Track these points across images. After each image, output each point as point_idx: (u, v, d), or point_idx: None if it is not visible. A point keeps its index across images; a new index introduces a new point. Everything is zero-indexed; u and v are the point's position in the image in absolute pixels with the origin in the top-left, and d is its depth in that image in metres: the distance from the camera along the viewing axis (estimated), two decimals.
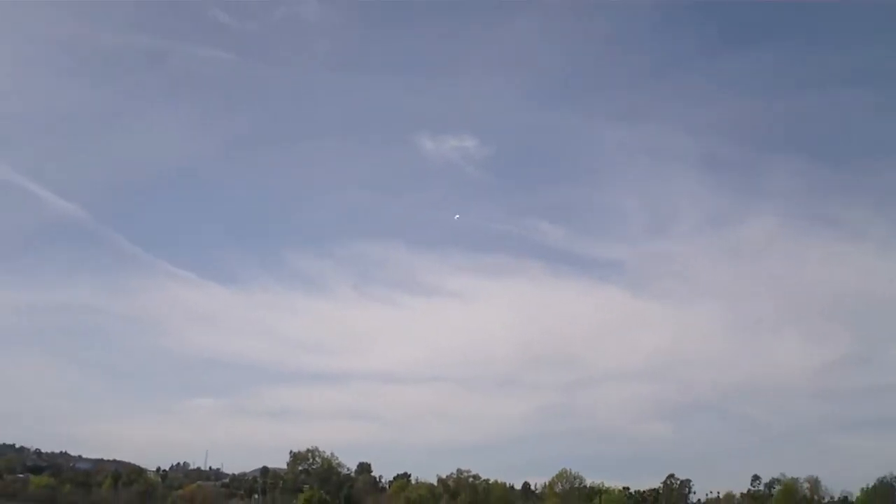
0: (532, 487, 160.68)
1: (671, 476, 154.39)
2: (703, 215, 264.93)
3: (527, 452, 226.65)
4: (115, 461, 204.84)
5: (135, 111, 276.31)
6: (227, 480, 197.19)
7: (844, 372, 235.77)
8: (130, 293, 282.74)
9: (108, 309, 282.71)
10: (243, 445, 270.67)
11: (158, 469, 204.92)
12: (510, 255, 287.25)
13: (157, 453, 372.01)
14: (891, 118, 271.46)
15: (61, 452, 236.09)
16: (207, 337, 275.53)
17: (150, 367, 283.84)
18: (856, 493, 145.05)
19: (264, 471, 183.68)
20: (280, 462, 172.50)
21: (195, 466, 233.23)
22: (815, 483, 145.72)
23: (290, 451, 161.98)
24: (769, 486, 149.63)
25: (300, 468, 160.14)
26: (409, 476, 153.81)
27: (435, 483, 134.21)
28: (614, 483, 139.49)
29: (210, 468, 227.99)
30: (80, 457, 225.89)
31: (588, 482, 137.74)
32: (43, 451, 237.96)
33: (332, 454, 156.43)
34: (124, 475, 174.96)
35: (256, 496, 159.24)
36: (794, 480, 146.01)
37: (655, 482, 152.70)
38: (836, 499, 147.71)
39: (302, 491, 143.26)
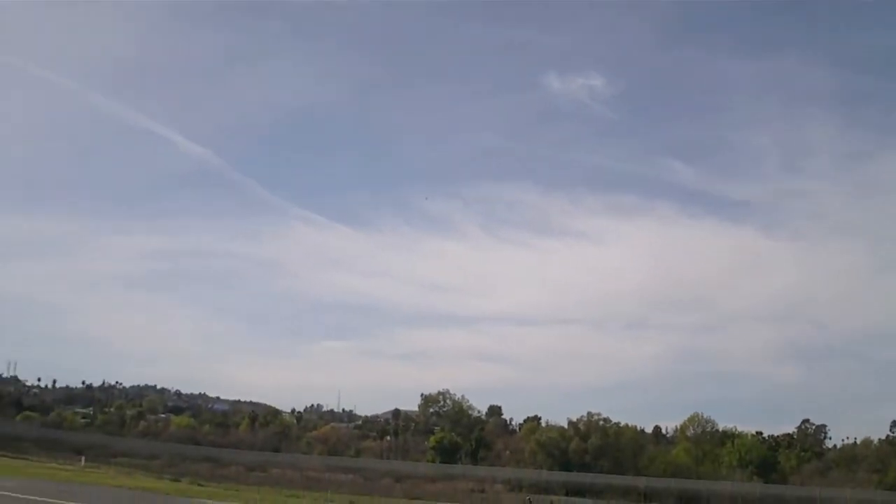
0: (663, 431, 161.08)
1: (806, 421, 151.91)
2: (838, 151, 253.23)
3: (657, 395, 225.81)
4: (250, 402, 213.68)
5: (263, 55, 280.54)
6: (359, 422, 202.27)
7: None
8: (262, 237, 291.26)
9: (242, 253, 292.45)
10: (375, 388, 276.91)
11: (293, 410, 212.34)
12: (640, 196, 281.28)
13: (291, 395, 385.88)
14: None
15: (200, 394, 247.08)
16: (339, 280, 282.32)
17: (283, 311, 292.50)
18: None
19: (396, 413, 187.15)
20: (411, 404, 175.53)
21: (328, 408, 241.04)
22: None
23: (421, 394, 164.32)
24: None
25: (431, 410, 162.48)
26: (540, 418, 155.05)
27: (565, 426, 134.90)
28: (747, 428, 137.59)
29: (343, 410, 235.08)
30: (217, 398, 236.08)
31: (720, 426, 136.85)
32: (183, 392, 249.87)
33: (462, 397, 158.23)
34: (260, 416, 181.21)
35: (389, 438, 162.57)
36: None
37: (789, 427, 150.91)
38: None
39: (433, 433, 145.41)
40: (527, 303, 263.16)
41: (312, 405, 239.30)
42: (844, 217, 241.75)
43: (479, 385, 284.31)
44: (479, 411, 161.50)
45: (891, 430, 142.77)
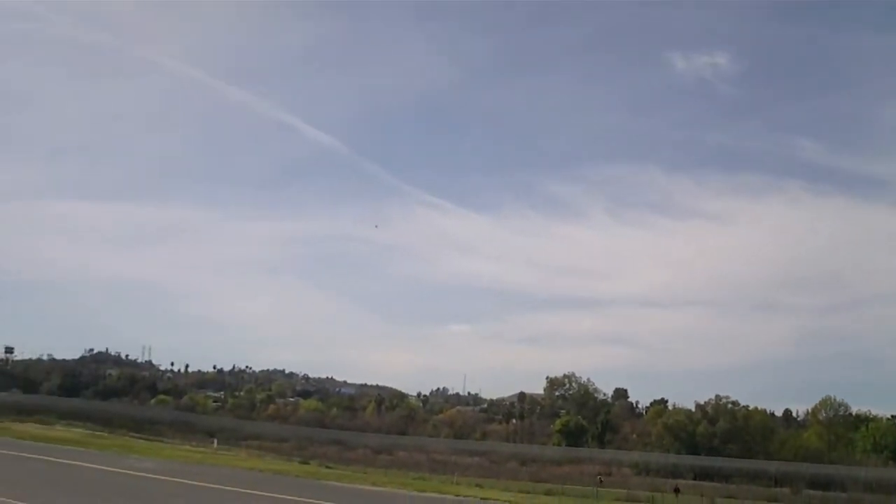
0: (794, 414, 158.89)
1: None
2: None
3: (787, 378, 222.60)
4: (377, 386, 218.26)
5: (382, 42, 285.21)
6: (485, 406, 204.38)
7: None
8: (389, 222, 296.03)
9: (369, 238, 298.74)
10: (500, 371, 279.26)
11: (419, 394, 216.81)
12: (768, 174, 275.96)
13: (417, 379, 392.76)
14: None
15: (327, 378, 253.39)
16: (464, 264, 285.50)
17: (410, 295, 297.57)
18: None
19: (521, 396, 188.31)
20: (537, 387, 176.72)
21: (454, 392, 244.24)
22: None
23: (547, 377, 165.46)
24: None
25: (557, 393, 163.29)
26: (666, 402, 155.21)
27: (692, 409, 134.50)
28: (882, 411, 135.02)
29: (468, 393, 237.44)
30: (345, 382, 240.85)
31: (853, 410, 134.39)
32: (311, 376, 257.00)
33: (588, 380, 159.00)
34: (387, 400, 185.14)
35: (514, 421, 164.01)
36: None
37: None
38: None
39: (559, 416, 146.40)
40: (652, 285, 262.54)
41: (438, 389, 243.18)
42: None
43: (604, 368, 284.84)
44: (604, 394, 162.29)
45: None
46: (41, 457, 56.02)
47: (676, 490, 75.78)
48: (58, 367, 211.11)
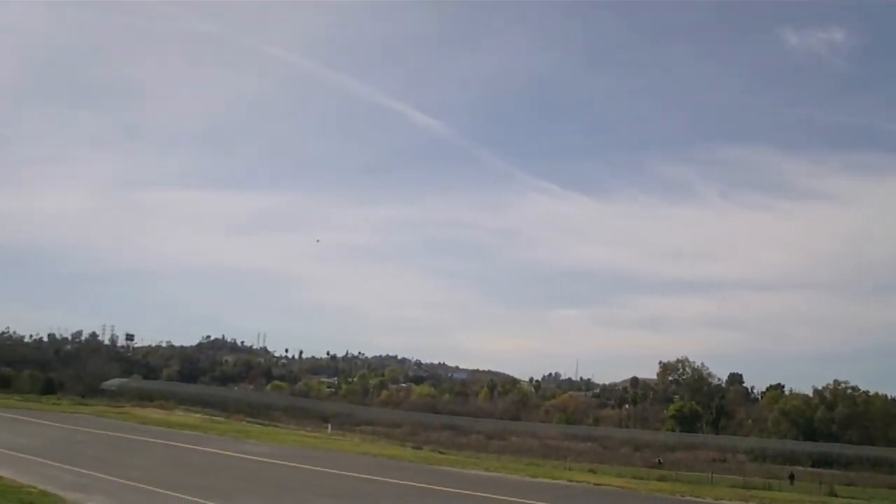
0: None
1: None
2: None
3: None
4: (489, 371, 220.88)
5: (492, 27, 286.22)
6: (597, 391, 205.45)
7: None
8: (500, 207, 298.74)
9: (481, 223, 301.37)
10: (612, 356, 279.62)
11: (531, 379, 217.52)
12: (888, 153, 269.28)
13: (529, 364, 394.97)
14: None
15: (439, 363, 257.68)
16: (575, 248, 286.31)
17: (521, 280, 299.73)
18: None
19: (634, 381, 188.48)
20: (649, 372, 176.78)
21: (566, 377, 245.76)
22: None
23: (660, 362, 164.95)
24: None
25: (670, 378, 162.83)
26: (783, 387, 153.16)
27: (810, 394, 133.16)
28: None
29: (581, 378, 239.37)
30: (457, 367, 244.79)
31: None
32: (423, 362, 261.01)
33: (702, 364, 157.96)
34: (499, 385, 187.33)
35: (627, 406, 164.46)
36: None
37: None
38: None
39: (672, 401, 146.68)
40: (768, 268, 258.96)
41: (550, 374, 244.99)
42: None
43: (718, 352, 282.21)
44: (719, 379, 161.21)
45: None
46: (165, 441, 59.92)
47: (791, 477, 75.85)
48: (176, 354, 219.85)
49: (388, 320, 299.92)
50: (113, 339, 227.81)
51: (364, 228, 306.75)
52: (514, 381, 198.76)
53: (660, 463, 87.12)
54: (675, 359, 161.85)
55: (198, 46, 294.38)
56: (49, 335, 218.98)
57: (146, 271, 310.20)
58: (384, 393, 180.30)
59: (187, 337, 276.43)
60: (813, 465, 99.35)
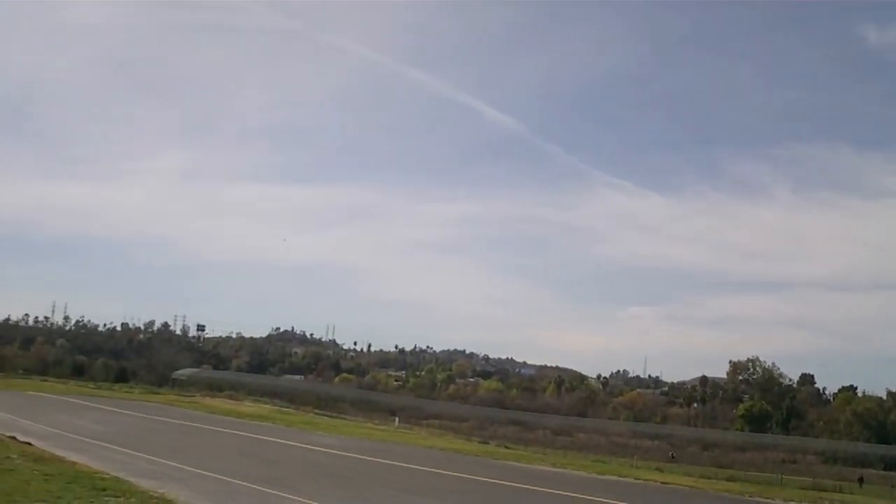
0: None
1: None
2: None
3: None
4: (556, 367, 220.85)
5: (564, 23, 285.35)
6: (665, 389, 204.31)
7: None
8: (570, 204, 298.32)
9: (550, 219, 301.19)
10: (681, 354, 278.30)
11: (599, 376, 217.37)
12: None
13: (596, 360, 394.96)
14: None
15: (507, 358, 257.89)
16: (645, 245, 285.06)
17: (590, 277, 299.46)
18: None
19: (703, 380, 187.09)
20: (719, 371, 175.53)
21: (634, 374, 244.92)
22: None
23: (730, 361, 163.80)
24: None
25: (740, 378, 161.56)
26: (856, 388, 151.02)
27: (884, 396, 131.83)
28: None
29: (649, 376, 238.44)
30: (524, 363, 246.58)
31: None
32: (490, 356, 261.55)
33: (772, 364, 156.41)
34: (567, 381, 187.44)
35: (696, 405, 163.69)
36: None
37: None
38: None
39: (741, 401, 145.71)
40: (841, 268, 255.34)
41: (618, 371, 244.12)
42: None
43: (789, 352, 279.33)
44: (790, 379, 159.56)
45: None
46: (235, 431, 61.80)
47: (860, 480, 75.78)
48: (246, 345, 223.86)
49: (457, 315, 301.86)
50: (184, 330, 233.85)
51: (435, 223, 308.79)
52: (581, 378, 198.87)
53: (672, 458, 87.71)
54: (745, 358, 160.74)
55: (275, 42, 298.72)
56: (122, 325, 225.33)
57: (218, 263, 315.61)
58: (451, 387, 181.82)
59: (257, 328, 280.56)
60: (885, 469, 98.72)
